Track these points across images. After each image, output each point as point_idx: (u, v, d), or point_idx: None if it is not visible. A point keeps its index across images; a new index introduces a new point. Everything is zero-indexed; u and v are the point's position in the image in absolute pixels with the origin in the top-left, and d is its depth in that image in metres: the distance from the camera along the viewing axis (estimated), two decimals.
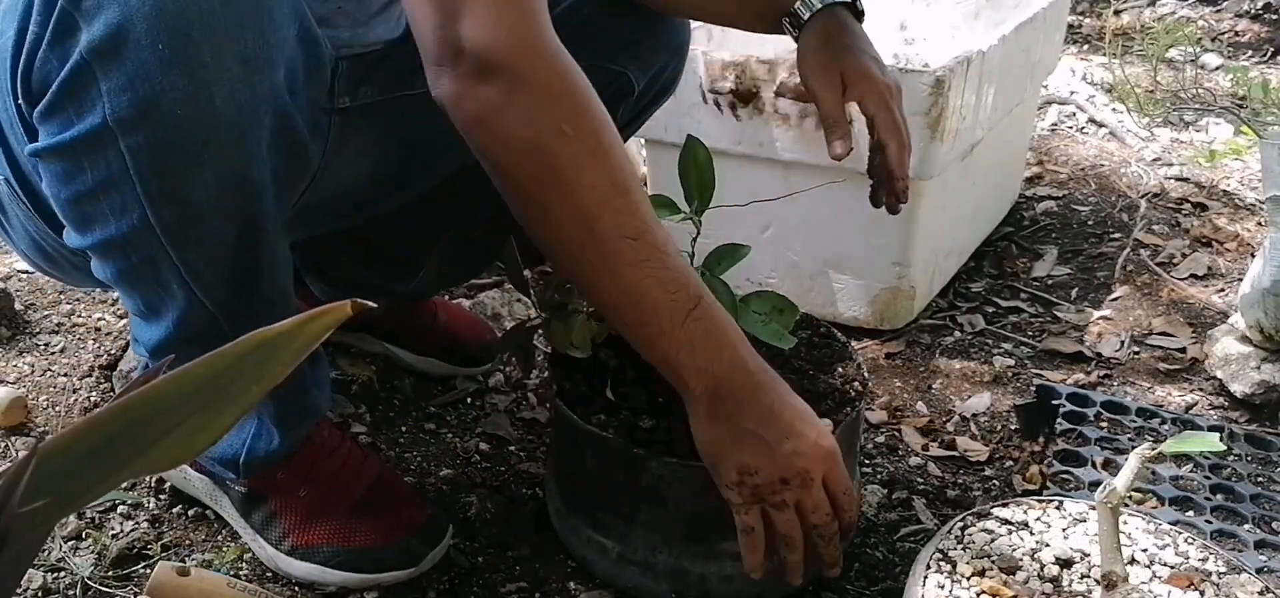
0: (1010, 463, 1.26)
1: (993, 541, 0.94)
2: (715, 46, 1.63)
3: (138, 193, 0.77)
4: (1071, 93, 2.60)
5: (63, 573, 1.02)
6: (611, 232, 0.81)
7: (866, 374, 1.06)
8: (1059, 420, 1.31)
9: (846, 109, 1.05)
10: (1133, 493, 1.15)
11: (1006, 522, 0.97)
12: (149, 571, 0.97)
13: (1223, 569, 0.91)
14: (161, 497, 1.12)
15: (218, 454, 1.01)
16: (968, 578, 0.90)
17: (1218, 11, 3.32)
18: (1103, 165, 2.19)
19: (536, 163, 0.79)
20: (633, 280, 0.82)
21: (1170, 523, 0.99)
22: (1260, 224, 1.88)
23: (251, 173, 0.80)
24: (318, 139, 0.92)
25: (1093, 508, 0.96)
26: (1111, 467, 1.22)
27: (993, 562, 0.91)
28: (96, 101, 0.73)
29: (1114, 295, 1.66)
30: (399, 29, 1.06)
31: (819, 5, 1.06)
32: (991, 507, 0.99)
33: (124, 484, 1.10)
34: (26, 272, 1.55)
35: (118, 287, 0.88)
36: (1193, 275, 1.71)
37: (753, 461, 0.85)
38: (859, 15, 1.09)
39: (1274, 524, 1.13)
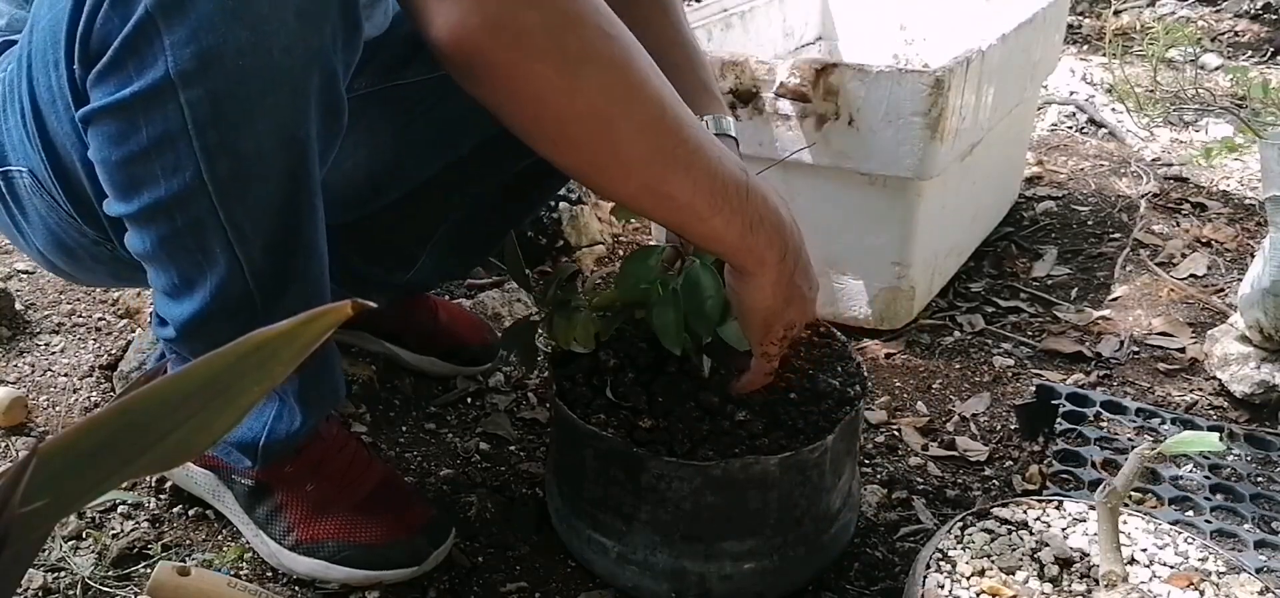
0: (1010, 463, 1.26)
1: (992, 541, 0.94)
2: (715, 46, 1.64)
3: (193, 148, 0.78)
4: (1071, 93, 2.61)
5: (63, 573, 1.02)
6: (676, 124, 0.81)
7: (866, 374, 1.06)
8: (1059, 420, 1.31)
9: None
10: (1132, 493, 1.15)
11: (1006, 522, 0.97)
12: (149, 571, 0.97)
13: (1223, 569, 0.91)
14: (161, 497, 1.12)
15: (236, 438, 1.01)
16: (967, 578, 0.90)
17: (1218, 11, 3.32)
18: (1103, 165, 2.19)
19: (603, 71, 0.77)
20: (703, 166, 0.82)
21: (1170, 523, 0.99)
22: (1260, 224, 1.89)
23: (300, 130, 0.81)
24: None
25: (1093, 508, 0.96)
26: (1111, 467, 1.22)
27: (992, 562, 0.92)
28: (159, 56, 0.74)
29: (1114, 295, 1.66)
30: (386, 23, 1.06)
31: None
32: (991, 507, 0.99)
33: (124, 484, 1.10)
34: (27, 271, 1.55)
35: (154, 259, 0.87)
36: (1193, 275, 1.71)
37: (799, 316, 0.94)
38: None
39: (1274, 524, 1.13)
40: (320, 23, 0.78)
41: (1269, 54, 2.97)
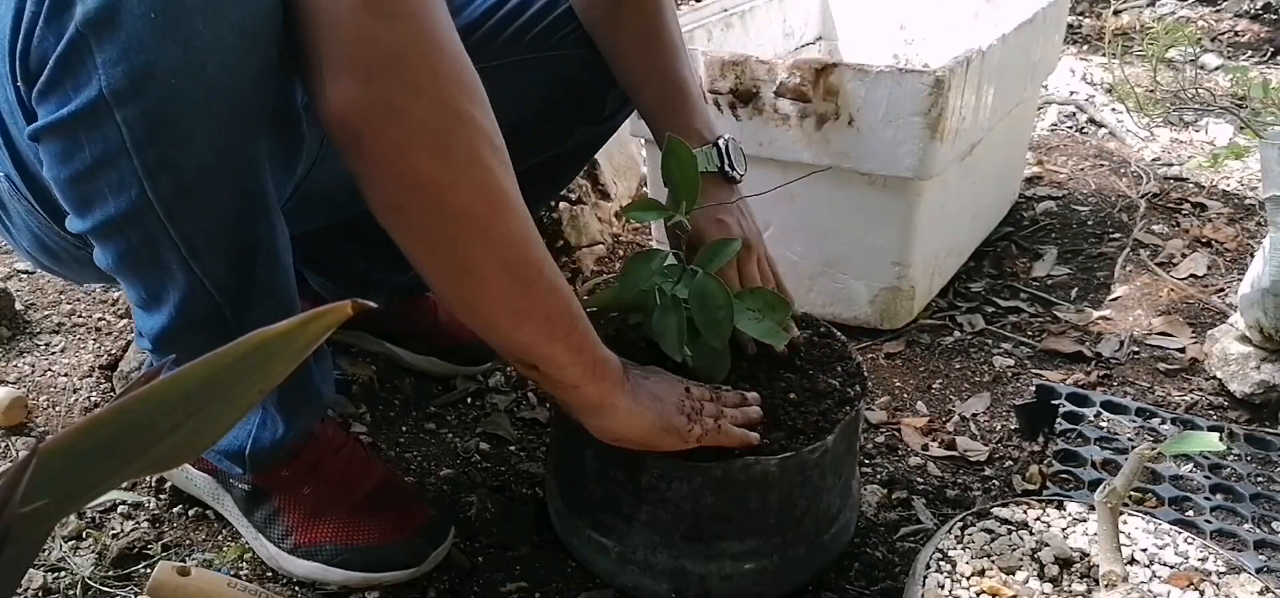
0: (1010, 463, 1.26)
1: (993, 541, 0.94)
2: (715, 46, 1.64)
3: (135, 166, 0.76)
4: (1071, 93, 2.61)
5: (63, 573, 1.02)
6: (538, 264, 0.82)
7: (866, 374, 1.06)
8: (1059, 420, 1.31)
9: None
10: (1133, 493, 1.15)
11: (1006, 522, 0.97)
12: (149, 571, 0.97)
13: (1223, 569, 0.91)
14: (161, 497, 1.12)
15: (223, 447, 1.01)
16: (967, 578, 0.90)
17: (1218, 11, 3.33)
18: (1103, 165, 2.19)
19: (475, 185, 0.78)
20: (551, 306, 0.84)
21: (1170, 523, 0.99)
22: (1260, 224, 1.89)
23: (247, 145, 0.80)
24: (313, 126, 0.92)
25: (1093, 508, 0.96)
26: (1111, 467, 1.22)
27: (993, 562, 0.92)
28: (92, 74, 0.73)
29: (1114, 295, 1.66)
30: None
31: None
32: (991, 507, 0.99)
33: (124, 484, 1.10)
34: (26, 272, 1.55)
35: (119, 274, 0.87)
36: (1193, 275, 1.71)
37: (674, 393, 0.93)
38: (732, 180, 1.12)
39: (1274, 524, 1.13)
40: (260, 38, 0.76)
41: (1269, 54, 2.97)
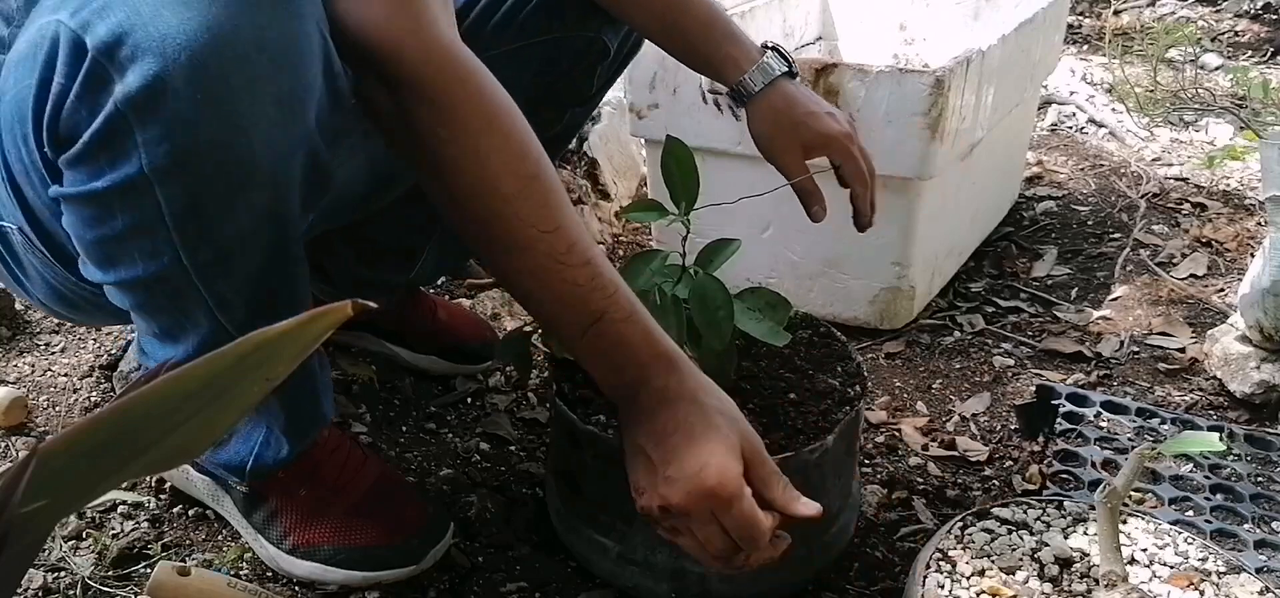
0: (1010, 463, 1.26)
1: (993, 541, 0.94)
2: None
3: (171, 237, 0.76)
4: (1071, 93, 2.61)
5: (63, 573, 1.02)
6: (521, 231, 0.81)
7: (866, 374, 1.06)
8: (1059, 420, 1.31)
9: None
10: (1133, 493, 1.15)
11: (1006, 522, 0.97)
12: (149, 571, 0.97)
13: (1223, 569, 0.91)
14: (161, 497, 1.12)
15: (223, 460, 1.01)
16: (967, 578, 0.90)
17: (1218, 11, 3.32)
18: (1103, 166, 2.19)
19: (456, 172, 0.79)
20: (529, 288, 0.83)
21: (1170, 523, 0.99)
22: (1260, 224, 1.89)
23: (282, 208, 0.80)
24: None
25: (1093, 508, 0.96)
26: (1111, 467, 1.22)
27: (993, 562, 0.92)
28: (132, 152, 0.72)
29: (1114, 295, 1.66)
30: None
31: (763, 82, 1.11)
32: (991, 507, 0.99)
33: (124, 484, 1.10)
34: None
35: (137, 316, 0.88)
36: (1193, 275, 1.71)
37: (640, 480, 0.83)
38: (795, 75, 1.15)
39: (1274, 524, 1.13)
40: (303, 107, 0.76)
41: (1269, 54, 2.97)
